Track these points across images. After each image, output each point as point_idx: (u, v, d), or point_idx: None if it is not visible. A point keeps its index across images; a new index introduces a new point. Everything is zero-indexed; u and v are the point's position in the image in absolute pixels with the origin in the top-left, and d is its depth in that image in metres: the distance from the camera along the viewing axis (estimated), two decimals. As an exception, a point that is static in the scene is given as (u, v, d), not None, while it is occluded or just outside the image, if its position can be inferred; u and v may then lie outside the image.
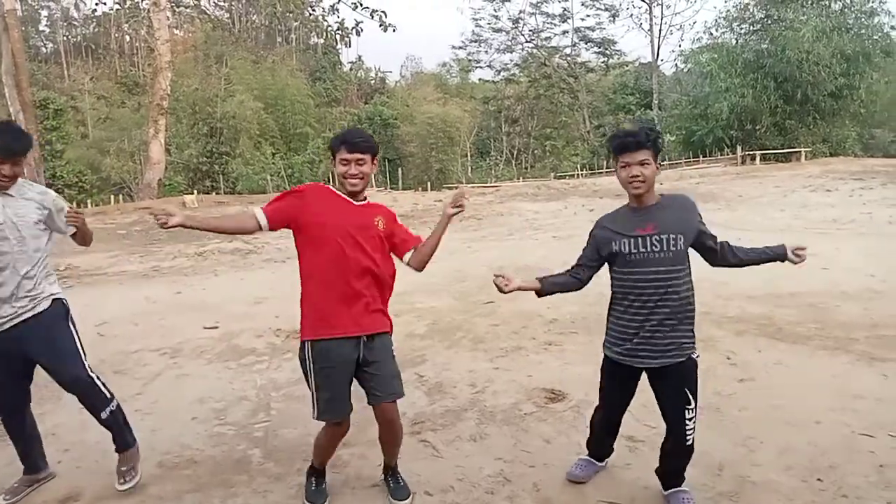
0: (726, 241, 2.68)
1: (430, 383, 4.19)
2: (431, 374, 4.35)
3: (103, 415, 2.83)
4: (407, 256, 2.73)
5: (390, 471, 2.86)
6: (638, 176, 2.47)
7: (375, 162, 2.68)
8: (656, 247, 2.47)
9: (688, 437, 2.54)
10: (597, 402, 2.88)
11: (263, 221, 2.58)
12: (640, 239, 2.50)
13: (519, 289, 2.62)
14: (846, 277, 6.62)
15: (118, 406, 2.90)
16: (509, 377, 4.23)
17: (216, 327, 5.75)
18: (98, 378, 2.82)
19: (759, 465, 2.95)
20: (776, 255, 2.64)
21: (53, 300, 2.79)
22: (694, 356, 2.56)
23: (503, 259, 8.68)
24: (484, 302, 6.22)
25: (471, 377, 4.27)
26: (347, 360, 2.55)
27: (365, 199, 2.68)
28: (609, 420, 2.84)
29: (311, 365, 2.54)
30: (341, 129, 2.85)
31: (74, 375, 2.74)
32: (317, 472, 2.84)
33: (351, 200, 2.63)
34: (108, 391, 2.86)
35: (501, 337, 5.15)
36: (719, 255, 2.64)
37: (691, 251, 2.57)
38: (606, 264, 2.65)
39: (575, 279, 2.69)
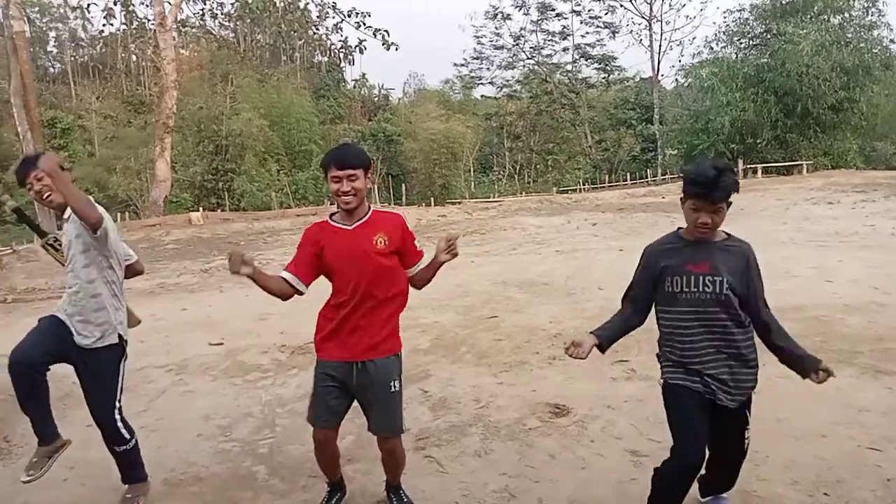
0: (774, 319, 2.44)
1: (434, 399, 4.20)
2: (435, 390, 4.35)
3: (117, 449, 2.89)
4: (411, 272, 2.72)
5: (392, 489, 2.87)
6: (708, 223, 2.30)
7: (369, 176, 2.60)
8: (708, 287, 2.33)
9: (746, 449, 2.51)
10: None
11: (301, 288, 2.59)
12: (692, 277, 2.35)
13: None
14: (850, 290, 6.60)
15: (135, 445, 2.93)
16: (513, 392, 4.23)
17: (221, 344, 5.77)
18: (122, 419, 2.86)
19: (765, 480, 2.93)
20: (801, 366, 2.41)
21: (113, 343, 2.81)
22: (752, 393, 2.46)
23: (507, 273, 8.69)
24: (487, 317, 6.23)
25: (475, 392, 4.27)
26: (339, 379, 2.59)
27: (364, 216, 2.60)
28: (696, 465, 2.37)
29: (315, 373, 2.67)
30: (332, 147, 2.76)
31: (102, 415, 2.83)
32: (331, 486, 2.86)
33: (345, 226, 2.58)
34: (129, 431, 2.89)
35: (505, 352, 5.15)
36: (761, 326, 2.42)
37: None
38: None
39: (630, 326, 2.53)
